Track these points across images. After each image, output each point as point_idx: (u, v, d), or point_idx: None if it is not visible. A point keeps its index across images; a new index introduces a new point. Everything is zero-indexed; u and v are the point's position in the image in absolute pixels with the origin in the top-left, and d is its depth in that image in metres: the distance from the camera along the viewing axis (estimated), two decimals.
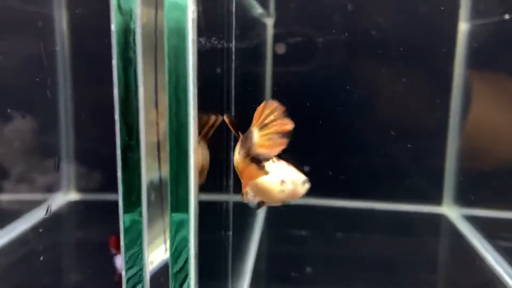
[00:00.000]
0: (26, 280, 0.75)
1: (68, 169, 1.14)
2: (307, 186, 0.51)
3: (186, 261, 0.44)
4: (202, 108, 0.43)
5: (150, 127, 0.43)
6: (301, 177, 0.51)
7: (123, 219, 0.43)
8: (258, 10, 0.95)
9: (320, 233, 1.02)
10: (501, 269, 0.83)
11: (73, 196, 1.12)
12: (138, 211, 0.43)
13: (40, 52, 0.95)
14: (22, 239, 0.88)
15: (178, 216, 0.43)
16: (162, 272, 0.45)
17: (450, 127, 1.10)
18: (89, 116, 1.12)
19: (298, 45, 1.10)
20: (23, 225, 0.92)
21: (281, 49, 1.11)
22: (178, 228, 0.43)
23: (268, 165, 0.50)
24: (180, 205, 0.43)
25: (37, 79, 0.97)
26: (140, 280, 0.45)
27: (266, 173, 0.49)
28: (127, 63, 0.40)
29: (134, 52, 0.40)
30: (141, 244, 0.44)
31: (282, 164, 0.51)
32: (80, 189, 1.13)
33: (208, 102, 0.58)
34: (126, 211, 0.43)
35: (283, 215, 1.06)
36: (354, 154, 1.11)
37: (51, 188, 1.11)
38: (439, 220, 1.07)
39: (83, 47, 1.09)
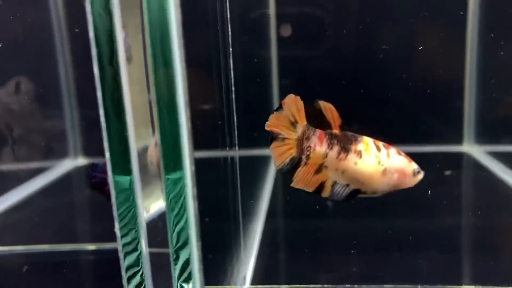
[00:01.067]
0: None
1: (74, 135, 1.14)
2: (419, 177, 0.49)
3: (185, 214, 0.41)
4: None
5: (137, 85, 0.39)
6: (411, 166, 0.49)
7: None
8: None
9: None
10: None
11: (81, 161, 1.14)
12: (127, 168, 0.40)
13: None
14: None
15: (173, 174, 0.40)
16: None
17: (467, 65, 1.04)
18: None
19: None
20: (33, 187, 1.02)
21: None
22: (174, 185, 0.41)
23: (370, 151, 0.48)
24: (174, 162, 0.40)
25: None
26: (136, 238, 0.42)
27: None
28: None
29: None
30: (133, 200, 0.41)
31: (392, 151, 0.49)
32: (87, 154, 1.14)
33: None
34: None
35: None
36: (373, 103, 1.06)
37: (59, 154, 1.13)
38: (461, 157, 1.06)
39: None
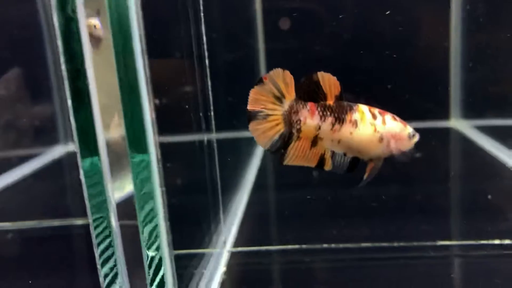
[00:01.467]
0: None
1: (65, 121, 1.15)
2: (415, 139, 0.49)
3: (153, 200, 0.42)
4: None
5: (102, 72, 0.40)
6: (406, 130, 0.48)
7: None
8: None
9: None
10: None
11: (72, 147, 1.15)
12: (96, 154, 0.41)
13: None
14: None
15: (138, 156, 0.41)
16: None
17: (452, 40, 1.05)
18: None
19: None
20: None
21: None
22: (140, 167, 0.42)
23: (366, 120, 0.47)
24: (139, 145, 0.41)
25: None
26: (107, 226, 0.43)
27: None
28: None
29: None
30: (103, 185, 0.42)
31: (387, 117, 0.48)
32: None
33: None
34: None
35: None
36: (361, 81, 1.07)
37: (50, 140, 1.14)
38: (448, 132, 1.07)
39: None
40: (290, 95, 0.45)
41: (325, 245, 0.63)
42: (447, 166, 0.92)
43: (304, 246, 0.64)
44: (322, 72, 0.46)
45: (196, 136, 0.63)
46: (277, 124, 0.45)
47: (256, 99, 0.45)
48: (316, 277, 0.61)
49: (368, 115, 0.47)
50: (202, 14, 0.61)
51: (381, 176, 0.49)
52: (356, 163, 0.48)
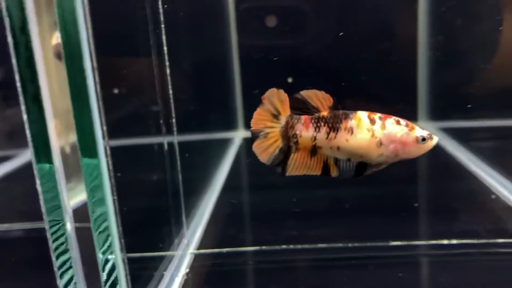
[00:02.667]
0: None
1: None
2: (430, 143, 0.49)
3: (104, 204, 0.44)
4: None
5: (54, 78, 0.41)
6: (412, 134, 0.48)
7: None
8: None
9: None
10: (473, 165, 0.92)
11: None
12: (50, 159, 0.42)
13: None
14: None
15: (89, 162, 0.43)
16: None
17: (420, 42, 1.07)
18: None
19: None
20: None
21: None
22: (91, 172, 0.43)
23: (362, 126, 0.48)
24: (89, 149, 0.42)
25: None
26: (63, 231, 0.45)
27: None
28: None
29: None
30: (57, 189, 0.43)
31: (388, 122, 0.49)
32: None
33: None
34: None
35: None
36: (330, 82, 1.09)
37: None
38: None
39: None
40: (285, 112, 0.49)
41: (284, 246, 0.66)
42: (407, 167, 0.95)
43: (264, 247, 0.66)
44: (305, 91, 0.49)
45: (154, 139, 0.65)
46: (275, 140, 0.49)
47: (258, 119, 0.49)
48: (276, 278, 0.63)
49: (365, 121, 0.48)
50: (161, 16, 0.62)
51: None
52: (364, 167, 0.50)
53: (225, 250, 0.66)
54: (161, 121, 0.63)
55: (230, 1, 1.10)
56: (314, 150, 0.49)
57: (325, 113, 0.49)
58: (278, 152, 0.49)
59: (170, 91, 0.64)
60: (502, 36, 0.94)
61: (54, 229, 0.45)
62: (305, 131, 0.49)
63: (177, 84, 0.77)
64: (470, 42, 1.01)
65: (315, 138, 0.49)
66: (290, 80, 1.12)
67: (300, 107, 0.49)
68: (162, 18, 0.62)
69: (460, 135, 1.02)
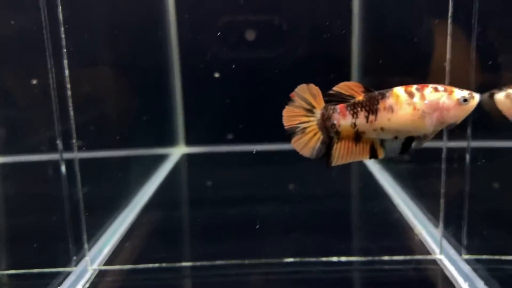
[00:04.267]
0: None
1: None
2: (472, 103, 0.47)
3: None
4: None
5: None
6: (452, 97, 0.47)
7: None
8: None
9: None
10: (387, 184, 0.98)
11: None
12: None
13: None
14: None
15: None
16: None
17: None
18: None
19: None
20: None
21: None
22: None
23: (402, 102, 0.47)
24: None
25: None
26: None
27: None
28: None
29: None
30: None
31: (427, 91, 0.48)
32: None
33: None
34: None
35: None
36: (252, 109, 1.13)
37: None
38: None
39: None
40: (320, 104, 0.49)
41: (189, 263, 0.70)
42: (324, 186, 1.00)
43: (169, 264, 0.70)
44: (338, 85, 0.49)
45: (49, 156, 0.67)
46: (315, 134, 0.49)
47: (289, 116, 0.49)
48: None
49: (403, 96, 0.48)
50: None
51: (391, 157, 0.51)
52: (410, 142, 0.49)
53: (130, 266, 0.70)
54: (57, 136, 0.64)
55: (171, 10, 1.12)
56: (357, 136, 0.49)
57: (360, 97, 0.49)
58: (320, 145, 0.49)
59: (70, 104, 0.65)
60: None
61: None
62: (343, 119, 0.48)
63: (90, 96, 0.78)
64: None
65: (355, 125, 0.48)
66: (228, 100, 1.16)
67: (334, 100, 0.49)
68: (61, 20, 0.62)
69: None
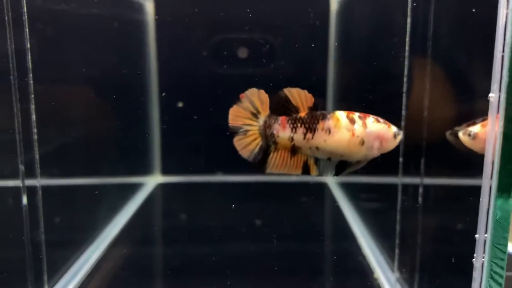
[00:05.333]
0: None
1: None
2: (399, 138, 0.51)
3: None
4: None
5: None
6: (391, 130, 0.50)
7: None
8: None
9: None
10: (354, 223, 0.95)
11: None
12: None
13: None
14: None
15: None
16: None
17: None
18: None
19: None
20: None
21: None
22: None
23: (341, 126, 0.50)
24: None
25: None
26: None
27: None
28: None
29: None
30: None
31: (369, 121, 0.50)
32: None
33: None
34: None
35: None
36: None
37: None
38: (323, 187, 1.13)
39: None
40: (265, 111, 0.51)
41: None
42: (293, 223, 0.97)
43: None
44: (289, 88, 0.51)
45: (10, 182, 0.62)
46: (255, 138, 0.51)
47: (235, 115, 0.51)
48: None
49: (344, 121, 0.50)
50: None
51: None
52: (343, 166, 0.51)
53: None
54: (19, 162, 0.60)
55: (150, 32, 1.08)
56: (294, 150, 0.51)
57: (303, 114, 0.51)
58: (258, 150, 0.51)
59: (34, 129, 0.61)
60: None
61: None
62: (282, 131, 0.51)
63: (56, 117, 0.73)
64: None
65: (292, 139, 0.50)
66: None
67: (280, 105, 0.51)
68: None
69: (352, 191, 1.04)
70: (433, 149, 0.64)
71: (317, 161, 0.51)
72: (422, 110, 0.67)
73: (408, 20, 0.64)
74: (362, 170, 0.95)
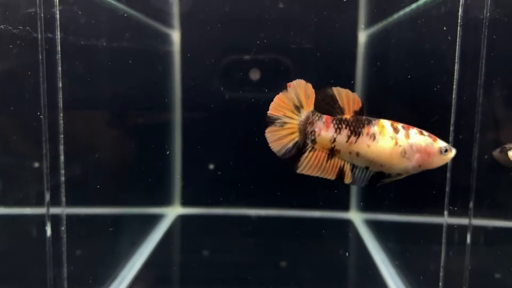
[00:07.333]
0: None
1: None
2: (450, 155, 0.47)
3: None
4: None
5: None
6: (436, 145, 0.47)
7: None
8: None
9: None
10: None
11: None
12: None
13: None
14: None
15: None
16: None
17: None
18: None
19: None
20: None
21: None
22: None
23: (385, 133, 0.47)
24: None
25: None
26: None
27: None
28: None
29: None
30: None
31: (412, 132, 0.47)
32: None
33: None
34: None
35: None
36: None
37: None
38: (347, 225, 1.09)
39: None
40: (309, 106, 0.48)
41: None
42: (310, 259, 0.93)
43: None
44: (338, 88, 0.48)
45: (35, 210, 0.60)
46: (292, 133, 0.48)
47: (278, 104, 0.48)
48: None
49: (388, 129, 0.47)
50: None
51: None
52: (379, 178, 0.47)
53: None
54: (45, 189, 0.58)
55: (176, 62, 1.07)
56: (331, 152, 0.47)
57: (348, 116, 0.48)
58: (292, 146, 0.48)
59: (62, 157, 0.59)
60: None
61: None
62: (325, 130, 0.47)
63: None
64: None
65: (334, 140, 0.47)
66: None
67: (326, 103, 0.48)
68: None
69: (381, 230, 1.00)
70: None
71: (353, 168, 0.48)
72: None
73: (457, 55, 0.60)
74: (391, 207, 0.93)
